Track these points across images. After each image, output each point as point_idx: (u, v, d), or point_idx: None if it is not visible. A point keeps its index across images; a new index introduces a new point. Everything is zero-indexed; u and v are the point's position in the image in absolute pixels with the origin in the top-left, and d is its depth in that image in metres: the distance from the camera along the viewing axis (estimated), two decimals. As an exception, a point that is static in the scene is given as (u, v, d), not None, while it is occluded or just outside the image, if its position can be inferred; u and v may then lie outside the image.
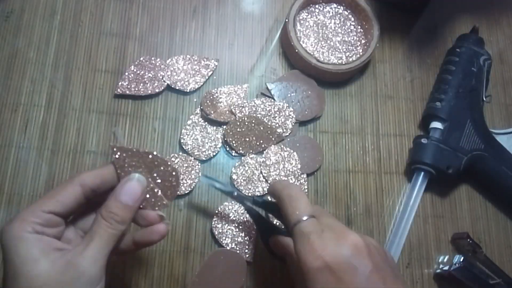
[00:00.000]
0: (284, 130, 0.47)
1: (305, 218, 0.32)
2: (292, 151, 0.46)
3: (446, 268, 0.45)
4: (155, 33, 0.49)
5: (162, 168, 0.32)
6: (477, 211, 0.49)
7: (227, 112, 0.47)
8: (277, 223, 0.42)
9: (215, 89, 0.48)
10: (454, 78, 0.49)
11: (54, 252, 0.28)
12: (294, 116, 0.47)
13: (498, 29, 0.57)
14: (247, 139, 0.46)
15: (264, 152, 0.46)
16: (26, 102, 0.45)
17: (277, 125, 0.47)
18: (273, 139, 0.46)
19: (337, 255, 0.30)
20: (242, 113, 0.47)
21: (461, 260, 0.44)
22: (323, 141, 0.49)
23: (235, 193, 0.41)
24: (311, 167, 0.47)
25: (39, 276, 0.27)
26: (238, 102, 0.47)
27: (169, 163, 0.32)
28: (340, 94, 0.51)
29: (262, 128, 0.46)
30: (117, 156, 0.31)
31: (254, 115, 0.47)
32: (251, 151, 0.46)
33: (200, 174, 0.44)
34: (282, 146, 0.46)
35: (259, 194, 0.45)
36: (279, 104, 0.48)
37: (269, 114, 0.47)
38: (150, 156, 0.32)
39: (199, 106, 0.47)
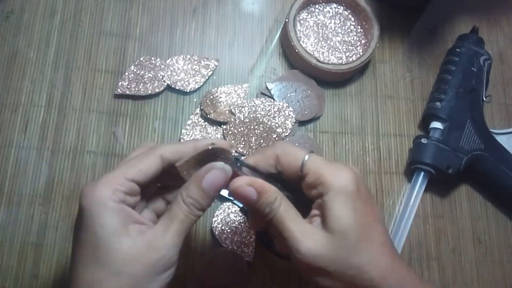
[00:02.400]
0: (284, 130, 0.47)
1: (307, 156, 0.30)
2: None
3: None
4: (155, 33, 0.49)
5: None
6: (477, 211, 0.49)
7: (227, 112, 0.47)
8: None
9: (215, 88, 0.48)
10: (454, 78, 0.49)
11: (134, 226, 0.28)
12: (293, 116, 0.47)
13: (498, 29, 0.57)
14: (247, 139, 0.46)
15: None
16: (26, 102, 0.45)
17: (277, 125, 0.47)
18: (272, 139, 0.46)
19: (359, 178, 0.30)
20: (242, 113, 0.47)
21: None
22: (323, 141, 0.49)
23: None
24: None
25: (119, 250, 0.26)
26: (238, 102, 0.47)
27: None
28: (340, 94, 0.51)
29: (262, 128, 0.46)
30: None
31: (254, 115, 0.47)
32: (250, 151, 0.46)
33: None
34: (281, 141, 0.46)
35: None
36: (279, 104, 0.48)
37: (268, 114, 0.47)
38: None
39: (199, 106, 0.47)
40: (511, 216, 0.50)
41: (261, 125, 0.46)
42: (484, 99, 0.50)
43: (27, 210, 0.42)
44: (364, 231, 0.29)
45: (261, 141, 0.46)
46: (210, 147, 0.29)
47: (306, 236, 0.29)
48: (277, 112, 0.47)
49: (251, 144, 0.46)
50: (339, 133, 0.49)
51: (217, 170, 0.29)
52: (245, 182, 0.29)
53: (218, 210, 0.44)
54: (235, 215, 0.44)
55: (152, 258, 0.27)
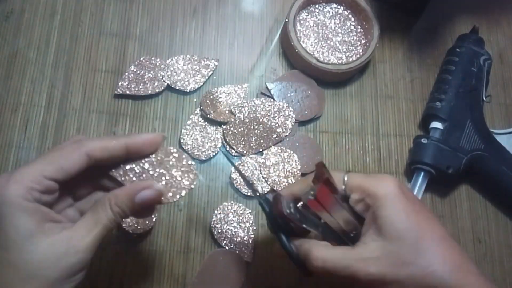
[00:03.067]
0: (284, 130, 0.47)
1: (346, 176, 0.31)
2: (292, 152, 0.46)
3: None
4: (155, 33, 0.49)
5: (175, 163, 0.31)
6: (477, 211, 0.49)
7: (227, 112, 0.47)
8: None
9: (215, 88, 0.48)
10: (454, 78, 0.49)
11: (50, 225, 0.26)
12: (293, 116, 0.47)
13: (498, 29, 0.57)
14: (247, 139, 0.46)
15: (264, 153, 0.46)
16: (26, 102, 0.45)
17: (277, 125, 0.47)
18: (272, 139, 0.46)
19: (400, 182, 0.30)
20: (242, 113, 0.47)
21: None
22: (323, 141, 0.49)
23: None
24: (310, 166, 0.47)
25: (34, 253, 0.25)
26: (238, 102, 0.47)
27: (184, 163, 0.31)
28: (340, 94, 0.51)
29: (261, 128, 0.46)
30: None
31: (254, 115, 0.47)
32: (250, 151, 0.46)
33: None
34: (282, 147, 0.46)
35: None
36: (279, 104, 0.48)
37: (268, 114, 0.47)
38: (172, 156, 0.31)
39: (199, 106, 0.47)
40: (511, 216, 0.50)
41: (261, 125, 0.46)
42: (484, 99, 0.50)
43: (27, 210, 0.42)
44: (421, 230, 0.28)
45: (261, 141, 0.46)
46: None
47: (362, 253, 0.28)
48: (277, 112, 0.47)
49: (251, 144, 0.46)
50: (339, 133, 0.49)
51: (155, 191, 0.29)
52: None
53: (217, 210, 0.44)
54: (234, 215, 0.44)
55: (69, 261, 0.26)
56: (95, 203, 0.29)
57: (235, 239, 0.43)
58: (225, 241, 0.43)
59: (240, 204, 0.44)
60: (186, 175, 0.31)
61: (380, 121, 0.51)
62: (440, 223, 0.30)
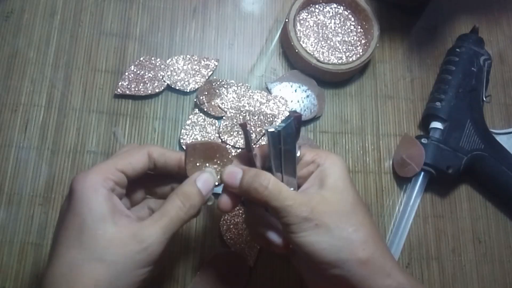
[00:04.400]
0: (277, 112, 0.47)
1: (298, 147, 0.33)
2: None
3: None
4: (155, 33, 0.49)
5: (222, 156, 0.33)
6: (477, 211, 0.49)
7: (220, 106, 0.47)
8: None
9: (217, 81, 0.48)
10: (454, 78, 0.49)
11: (121, 216, 0.28)
12: (286, 100, 0.48)
13: (498, 29, 0.57)
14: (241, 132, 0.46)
15: (260, 140, 0.46)
16: (26, 102, 0.45)
17: (273, 114, 0.47)
18: (268, 123, 0.46)
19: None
20: (235, 108, 0.47)
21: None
22: (323, 141, 0.49)
23: None
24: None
25: (103, 237, 0.27)
26: (234, 97, 0.47)
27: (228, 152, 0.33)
28: (340, 94, 0.51)
29: (256, 117, 0.46)
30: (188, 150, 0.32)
31: (249, 107, 0.47)
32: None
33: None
34: None
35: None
36: (274, 96, 0.48)
37: (264, 104, 0.47)
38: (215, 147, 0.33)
39: (196, 96, 0.47)
40: (511, 216, 0.50)
41: (255, 117, 0.46)
42: (484, 99, 0.50)
43: (27, 210, 0.42)
44: (358, 197, 0.31)
45: (257, 129, 0.46)
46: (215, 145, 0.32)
47: (306, 194, 0.30)
48: (272, 101, 0.48)
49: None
50: (339, 133, 0.49)
51: (208, 173, 0.32)
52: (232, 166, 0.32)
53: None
54: (243, 217, 0.44)
55: (133, 249, 0.27)
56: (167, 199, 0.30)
57: (241, 241, 0.43)
58: (230, 241, 0.42)
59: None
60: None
61: (380, 121, 0.51)
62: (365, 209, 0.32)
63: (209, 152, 0.32)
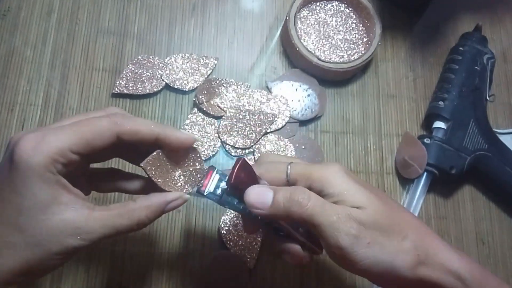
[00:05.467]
0: (281, 121, 0.47)
1: (288, 167, 0.31)
2: (288, 142, 0.46)
3: None
4: (154, 31, 0.49)
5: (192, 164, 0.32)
6: (481, 212, 0.49)
7: (220, 105, 0.46)
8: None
9: (217, 80, 0.47)
10: (457, 77, 0.49)
11: (66, 199, 0.26)
12: (287, 100, 0.47)
13: (501, 28, 0.57)
14: (242, 131, 0.45)
15: (261, 139, 0.46)
16: (22, 102, 0.44)
17: (272, 115, 0.46)
18: (267, 122, 0.46)
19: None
20: (235, 108, 0.46)
21: None
22: (324, 141, 0.48)
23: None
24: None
25: (44, 222, 0.25)
26: (234, 97, 0.47)
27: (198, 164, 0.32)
28: (342, 93, 0.50)
29: (256, 117, 0.46)
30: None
31: (249, 106, 0.46)
32: (248, 141, 0.45)
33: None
34: (279, 136, 0.46)
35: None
36: (274, 96, 0.47)
37: (263, 104, 0.47)
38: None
39: (195, 95, 0.46)
40: (515, 217, 0.49)
41: (255, 115, 0.46)
42: (488, 98, 0.49)
43: (23, 211, 0.41)
44: (375, 195, 0.29)
45: (258, 129, 0.45)
46: (193, 145, 0.30)
47: (342, 209, 0.28)
48: (271, 100, 0.47)
49: (246, 134, 0.45)
50: (341, 133, 0.49)
51: (183, 200, 0.30)
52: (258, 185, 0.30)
53: (228, 211, 0.43)
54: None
55: (73, 243, 0.26)
56: (124, 204, 0.28)
57: (241, 242, 0.42)
58: (230, 243, 0.42)
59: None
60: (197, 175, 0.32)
61: (382, 121, 0.50)
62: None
63: (176, 157, 0.30)
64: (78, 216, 0.26)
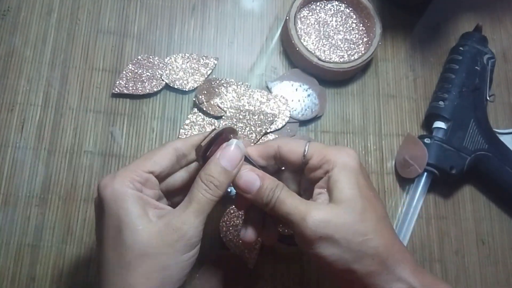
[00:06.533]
0: (281, 121, 0.47)
1: (307, 143, 0.32)
2: None
3: None
4: (153, 31, 0.49)
5: None
6: (481, 212, 0.49)
7: (219, 105, 0.46)
8: None
9: (217, 80, 0.47)
10: (458, 77, 0.49)
11: (154, 211, 0.29)
12: (287, 100, 0.47)
13: (501, 28, 0.57)
14: (242, 131, 0.45)
15: (261, 139, 0.46)
16: (22, 102, 0.44)
17: (273, 115, 0.46)
18: (268, 121, 0.46)
19: (359, 157, 0.32)
20: (235, 108, 0.46)
21: None
22: (324, 141, 0.48)
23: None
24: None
25: (142, 232, 0.28)
26: (234, 97, 0.47)
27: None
28: (342, 93, 0.50)
29: (256, 117, 0.46)
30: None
31: (249, 106, 0.46)
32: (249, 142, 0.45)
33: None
34: (279, 136, 0.46)
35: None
36: (274, 95, 0.47)
37: (264, 104, 0.47)
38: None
39: (195, 95, 0.46)
40: (515, 217, 0.49)
41: (255, 115, 0.46)
42: (488, 98, 0.49)
43: (23, 211, 0.41)
44: (369, 202, 0.30)
45: (258, 129, 0.45)
46: (220, 129, 0.31)
47: (311, 208, 0.29)
48: (273, 102, 0.47)
49: (246, 134, 0.45)
50: (341, 133, 0.49)
51: (232, 146, 0.31)
52: (249, 169, 0.31)
53: (228, 211, 0.43)
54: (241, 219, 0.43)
55: (172, 238, 0.28)
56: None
57: (241, 243, 0.42)
58: (230, 244, 0.42)
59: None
60: None
61: (382, 121, 0.50)
62: (383, 205, 0.32)
63: (221, 140, 0.31)
64: (165, 217, 0.29)
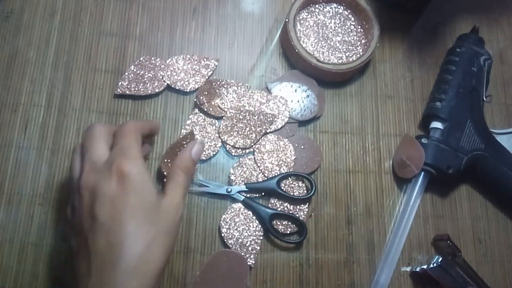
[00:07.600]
0: (281, 121, 0.47)
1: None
2: (288, 142, 0.47)
3: (423, 267, 0.44)
4: (155, 33, 0.49)
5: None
6: (478, 211, 0.49)
7: (220, 105, 0.47)
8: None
9: (217, 81, 0.48)
10: (455, 78, 0.49)
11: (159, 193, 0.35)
12: (286, 100, 0.48)
13: (498, 29, 0.57)
14: (242, 131, 0.46)
15: (261, 139, 0.46)
16: (26, 102, 0.45)
17: (272, 115, 0.47)
18: (267, 122, 0.46)
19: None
20: (235, 108, 0.47)
21: (439, 260, 0.43)
22: (323, 141, 0.49)
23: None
24: (309, 167, 0.47)
25: (167, 212, 0.33)
26: (234, 97, 0.47)
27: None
28: (340, 94, 0.51)
29: (256, 117, 0.46)
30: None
31: (249, 107, 0.47)
32: (248, 141, 0.46)
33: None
34: (279, 136, 0.47)
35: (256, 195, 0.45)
36: (274, 96, 0.48)
37: (263, 105, 0.47)
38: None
39: (196, 96, 0.47)
40: (511, 216, 0.50)
41: (255, 115, 0.46)
42: (485, 99, 0.50)
43: (27, 210, 0.42)
44: None
45: (258, 129, 0.46)
46: (184, 134, 0.40)
47: None
48: (271, 101, 0.47)
49: (246, 134, 0.46)
50: (339, 133, 0.49)
51: (199, 143, 0.40)
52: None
53: (229, 209, 0.44)
54: (244, 216, 0.44)
55: (178, 218, 0.34)
56: (168, 174, 0.37)
57: (241, 240, 0.43)
58: (230, 241, 0.42)
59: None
60: None
61: (380, 121, 0.50)
62: None
63: (178, 148, 0.40)
64: (169, 199, 0.34)
